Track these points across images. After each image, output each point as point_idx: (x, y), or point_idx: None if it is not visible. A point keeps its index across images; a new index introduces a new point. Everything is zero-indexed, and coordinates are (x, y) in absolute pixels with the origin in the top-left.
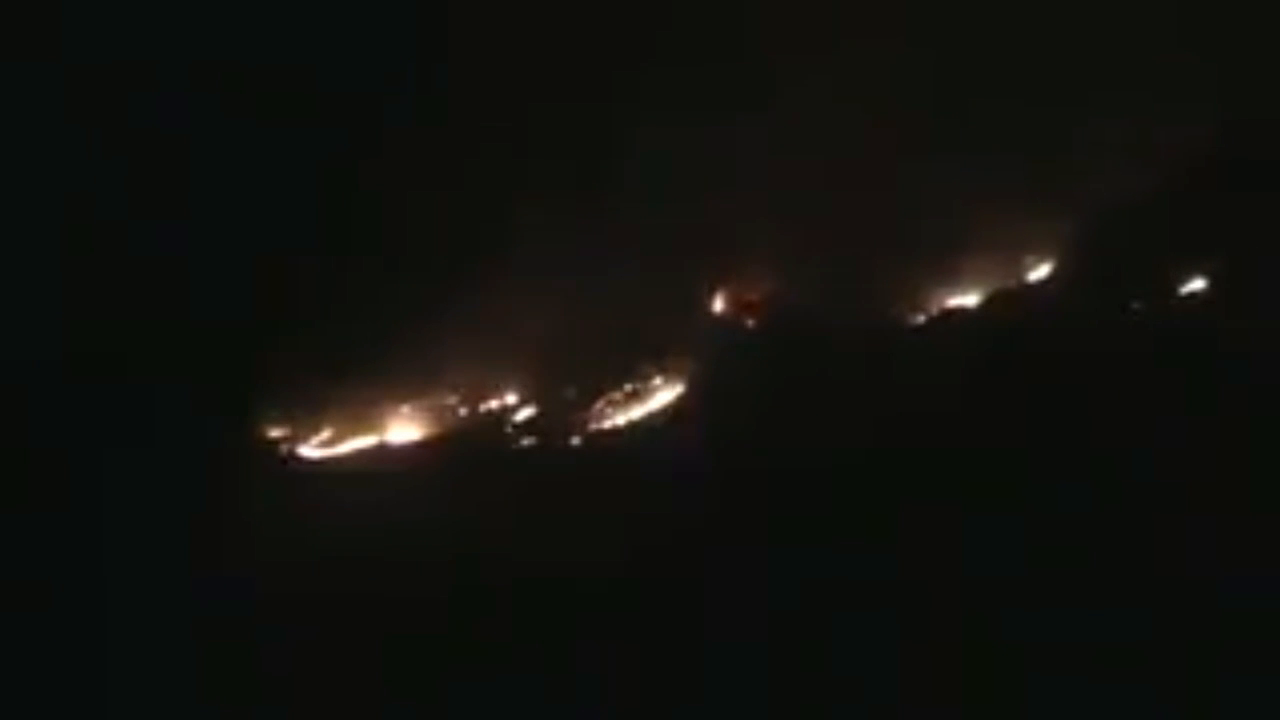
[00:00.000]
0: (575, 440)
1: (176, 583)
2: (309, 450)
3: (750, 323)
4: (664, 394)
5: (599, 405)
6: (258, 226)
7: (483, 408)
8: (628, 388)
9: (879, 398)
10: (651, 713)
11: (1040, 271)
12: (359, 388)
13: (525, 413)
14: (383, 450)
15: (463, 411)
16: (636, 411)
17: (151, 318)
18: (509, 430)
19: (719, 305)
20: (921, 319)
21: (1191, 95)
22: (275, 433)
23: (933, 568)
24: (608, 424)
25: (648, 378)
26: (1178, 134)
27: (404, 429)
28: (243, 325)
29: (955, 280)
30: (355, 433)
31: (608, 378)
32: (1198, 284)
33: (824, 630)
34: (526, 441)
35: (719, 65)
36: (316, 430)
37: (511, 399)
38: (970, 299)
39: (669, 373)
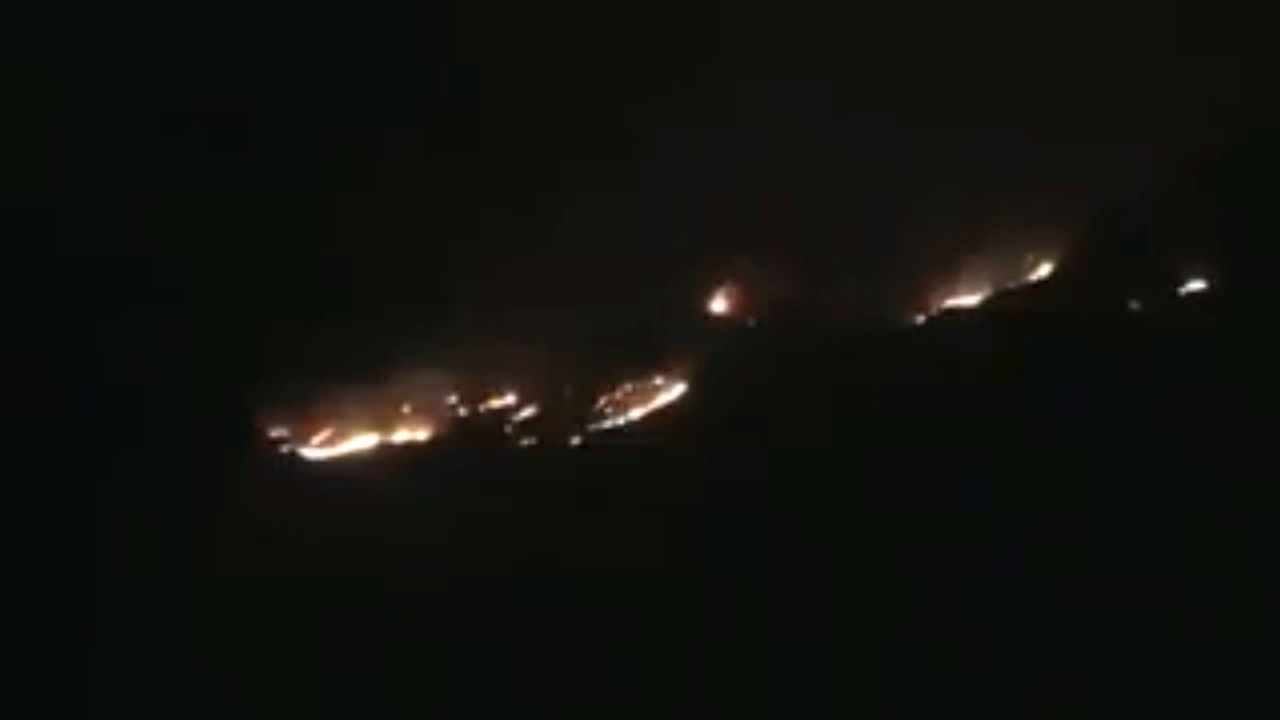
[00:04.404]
0: (575, 440)
1: (176, 583)
2: (309, 450)
3: (750, 323)
4: (664, 394)
5: (599, 405)
6: (258, 226)
7: (483, 408)
8: (628, 388)
9: (879, 398)
10: (651, 711)
11: (1040, 271)
12: (359, 388)
13: (525, 413)
14: (383, 450)
15: (463, 411)
16: (636, 411)
17: (151, 317)
18: (509, 430)
19: (719, 305)
20: (921, 319)
21: (1192, 96)
22: (275, 433)
23: (933, 567)
24: (608, 424)
25: (648, 378)
26: (1178, 135)
27: (404, 429)
28: (242, 325)
29: (955, 280)
30: (355, 433)
31: (608, 378)
32: (1198, 284)
33: (824, 630)
34: (526, 441)
35: (720, 65)
36: (316, 430)
37: (511, 399)
38: (970, 299)
39: (669, 373)
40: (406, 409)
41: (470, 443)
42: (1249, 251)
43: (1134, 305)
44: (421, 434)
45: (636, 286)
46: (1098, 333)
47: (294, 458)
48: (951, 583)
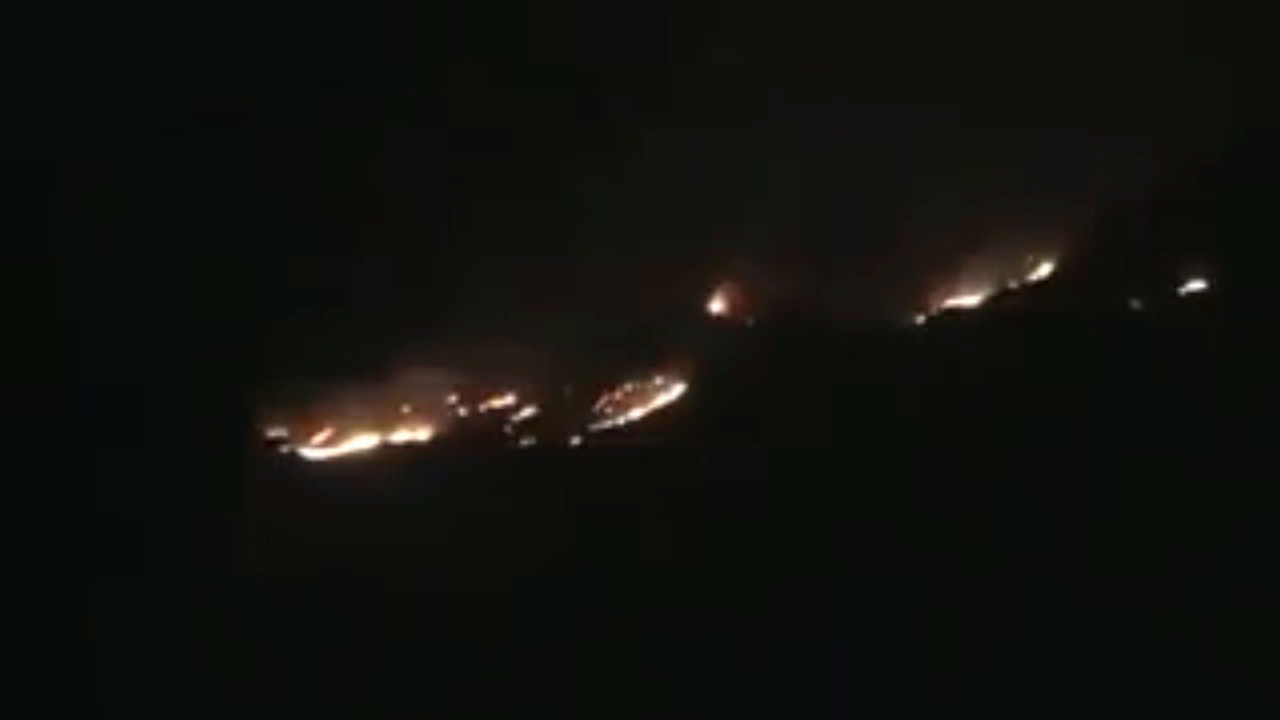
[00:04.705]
0: (575, 440)
1: (175, 583)
2: (309, 450)
3: (750, 323)
4: (664, 394)
5: (599, 405)
6: (257, 226)
7: (483, 408)
8: (628, 388)
9: (879, 398)
10: (652, 711)
11: (1040, 271)
12: (359, 388)
13: (525, 413)
14: (383, 450)
15: (463, 411)
16: (636, 411)
17: (151, 317)
18: (509, 430)
19: (719, 305)
20: (921, 319)
21: (1192, 96)
22: (275, 433)
23: (933, 568)
24: (608, 424)
25: (648, 378)
26: (1178, 135)
27: (404, 429)
28: (243, 325)
29: (955, 280)
30: (355, 433)
31: (608, 378)
32: (1198, 284)
33: (824, 629)
34: (526, 441)
35: (720, 65)
36: (316, 430)
37: (511, 399)
38: (970, 299)
39: (669, 373)
40: (406, 409)
41: (470, 443)
42: (1249, 251)
43: (1134, 305)
44: (421, 434)
45: (636, 286)
46: (1098, 333)
47: (294, 458)
48: (951, 583)
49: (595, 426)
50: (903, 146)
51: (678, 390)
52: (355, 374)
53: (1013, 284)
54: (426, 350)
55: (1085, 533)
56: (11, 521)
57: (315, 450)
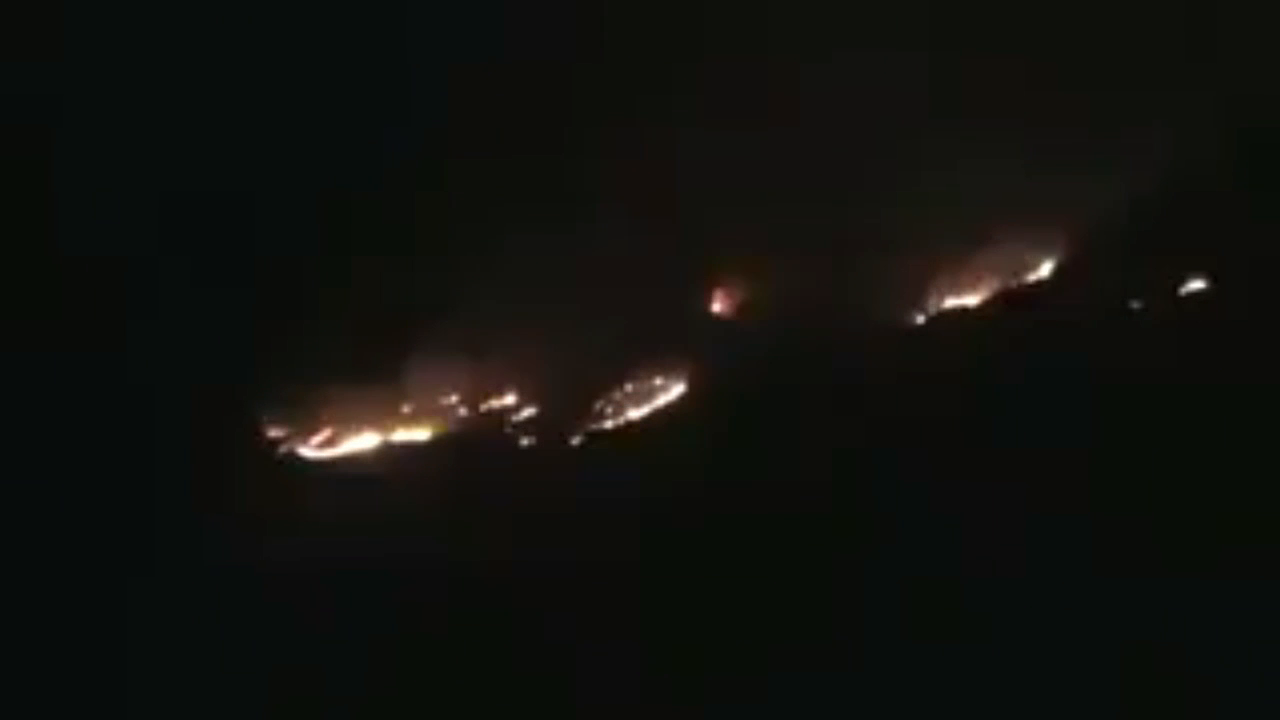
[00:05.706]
0: (575, 440)
1: (175, 583)
2: (309, 450)
3: (750, 323)
4: (664, 394)
5: (599, 405)
6: (258, 226)
7: (483, 408)
8: (628, 388)
9: (879, 398)
10: (651, 711)
11: (1040, 271)
12: (359, 388)
13: (525, 413)
14: (383, 450)
15: (463, 411)
16: (636, 411)
17: (150, 317)
18: (509, 430)
19: (719, 305)
20: (921, 319)
21: (1193, 96)
22: (275, 433)
23: (933, 568)
24: (608, 424)
25: (648, 378)
26: (1178, 134)
27: (404, 429)
28: (243, 325)
29: (955, 280)
30: (355, 433)
31: (608, 378)
32: (1198, 284)
33: (823, 630)
34: (526, 441)
35: (719, 64)
36: (316, 430)
37: (511, 399)
38: (970, 299)
39: (669, 373)
40: (406, 409)
41: (470, 443)
42: (1249, 251)
43: (1134, 305)
44: (421, 434)
45: (637, 286)
46: (1098, 333)
47: (294, 458)
48: (952, 584)
49: (595, 426)
50: (903, 145)
51: (678, 390)
52: (355, 374)
53: (1013, 284)
54: (426, 350)
55: (1085, 533)
56: (13, 519)
57: (315, 450)
